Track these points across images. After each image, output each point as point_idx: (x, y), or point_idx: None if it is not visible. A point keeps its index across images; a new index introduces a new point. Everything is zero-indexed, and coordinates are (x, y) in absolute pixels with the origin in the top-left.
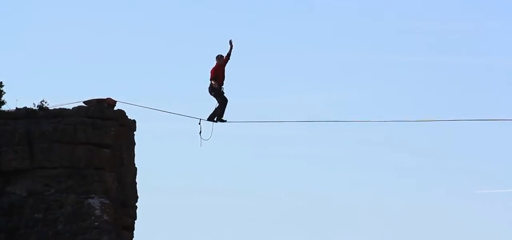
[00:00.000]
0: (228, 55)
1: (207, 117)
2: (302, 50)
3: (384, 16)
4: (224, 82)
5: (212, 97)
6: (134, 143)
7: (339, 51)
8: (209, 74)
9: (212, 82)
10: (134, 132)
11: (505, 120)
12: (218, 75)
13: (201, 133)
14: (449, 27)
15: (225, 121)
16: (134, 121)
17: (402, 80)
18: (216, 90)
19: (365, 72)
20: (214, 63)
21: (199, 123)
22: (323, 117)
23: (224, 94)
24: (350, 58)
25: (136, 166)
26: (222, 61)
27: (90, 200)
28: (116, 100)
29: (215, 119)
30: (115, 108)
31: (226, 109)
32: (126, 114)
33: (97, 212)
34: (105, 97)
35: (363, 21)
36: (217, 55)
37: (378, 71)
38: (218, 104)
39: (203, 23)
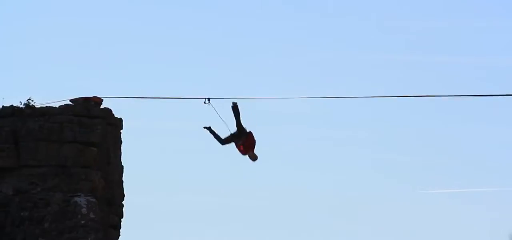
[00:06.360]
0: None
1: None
2: (285, 49)
3: (367, 15)
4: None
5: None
6: (121, 142)
7: (322, 50)
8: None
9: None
10: (121, 131)
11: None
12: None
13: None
14: (427, 26)
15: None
16: (120, 119)
17: (383, 79)
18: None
19: (347, 71)
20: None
21: (205, 102)
22: (309, 116)
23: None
24: (333, 56)
25: (122, 164)
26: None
27: (77, 199)
28: (102, 98)
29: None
30: (102, 106)
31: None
32: (113, 112)
33: (84, 210)
34: (91, 96)
35: (345, 19)
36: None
37: (359, 69)
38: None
39: (188, 24)
